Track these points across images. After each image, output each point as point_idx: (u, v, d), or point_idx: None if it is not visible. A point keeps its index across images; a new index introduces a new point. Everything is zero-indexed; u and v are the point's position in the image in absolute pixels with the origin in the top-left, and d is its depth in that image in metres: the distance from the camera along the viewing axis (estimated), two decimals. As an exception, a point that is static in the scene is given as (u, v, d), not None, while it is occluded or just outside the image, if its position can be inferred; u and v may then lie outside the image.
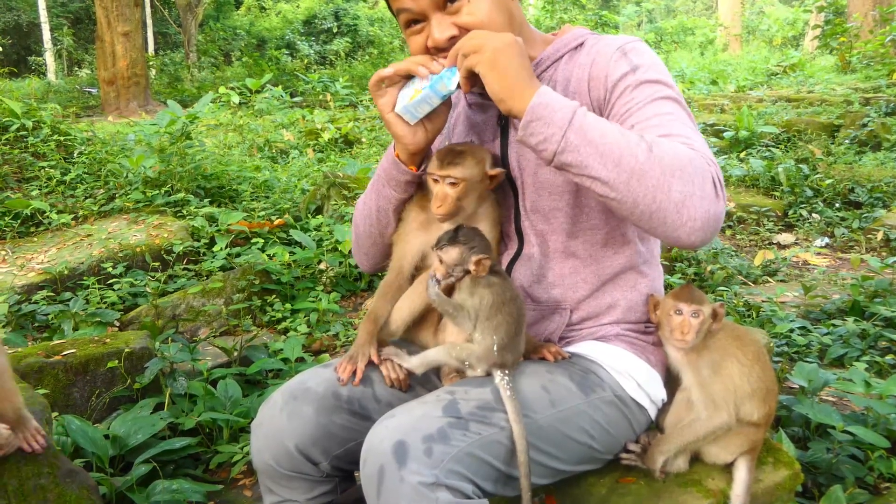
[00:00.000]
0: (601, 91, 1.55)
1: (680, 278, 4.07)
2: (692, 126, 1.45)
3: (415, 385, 1.70)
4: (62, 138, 6.29)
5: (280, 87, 11.98)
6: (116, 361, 2.73)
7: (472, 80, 1.43)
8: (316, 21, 27.13)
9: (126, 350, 2.77)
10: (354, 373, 1.66)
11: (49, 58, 23.50)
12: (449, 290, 1.59)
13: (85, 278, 4.05)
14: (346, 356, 1.68)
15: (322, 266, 4.28)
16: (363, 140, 8.98)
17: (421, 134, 1.59)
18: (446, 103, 1.58)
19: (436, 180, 1.58)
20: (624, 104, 1.49)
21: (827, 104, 9.80)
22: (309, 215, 5.13)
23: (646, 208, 1.30)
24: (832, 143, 7.82)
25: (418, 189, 1.72)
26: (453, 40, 1.52)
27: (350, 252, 4.27)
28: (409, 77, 1.56)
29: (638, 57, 1.54)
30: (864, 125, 8.19)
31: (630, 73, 1.51)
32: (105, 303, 3.83)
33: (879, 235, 5.14)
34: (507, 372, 1.48)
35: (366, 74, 16.94)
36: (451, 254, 1.52)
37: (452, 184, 1.56)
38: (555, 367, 1.61)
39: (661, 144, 1.32)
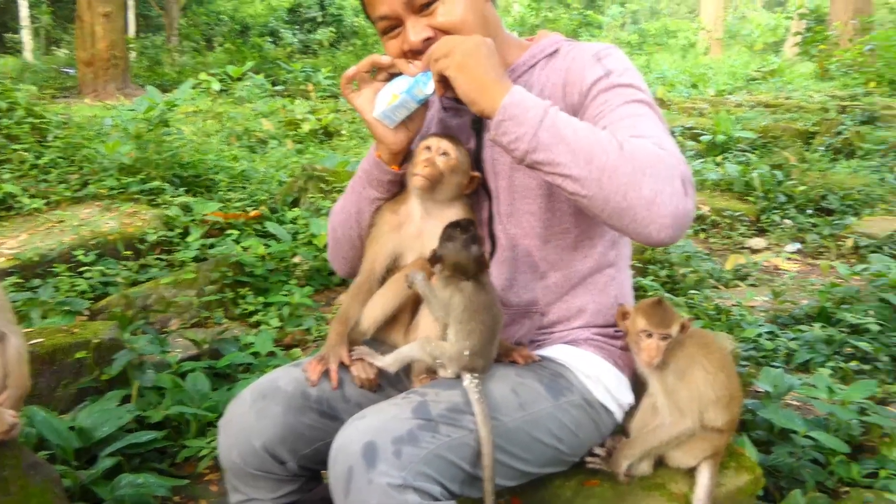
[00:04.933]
0: (576, 96, 1.57)
1: (652, 280, 4.10)
2: (663, 128, 1.47)
3: (385, 386, 1.70)
4: (37, 121, 6.18)
5: (262, 74, 11.89)
6: (84, 352, 2.69)
7: (445, 84, 1.44)
8: (301, 9, 26.88)
9: (94, 341, 2.74)
10: (327, 374, 1.66)
11: (26, 36, 23.10)
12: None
13: (55, 265, 3.98)
14: (317, 356, 1.68)
15: (296, 259, 4.26)
16: (343, 132, 8.93)
17: (402, 134, 1.62)
18: (424, 104, 1.59)
19: (428, 147, 1.61)
20: (597, 106, 1.51)
21: (804, 111, 9.91)
22: (285, 207, 5.10)
23: (616, 205, 1.31)
24: (807, 150, 7.91)
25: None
26: (428, 42, 1.54)
27: (325, 246, 4.25)
28: (375, 71, 1.59)
29: (612, 62, 1.57)
30: (839, 133, 8.29)
31: (604, 78, 1.54)
32: (75, 291, 3.78)
33: (849, 242, 5.22)
34: (476, 375, 1.49)
35: (349, 65, 16.72)
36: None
37: (444, 154, 1.60)
38: (525, 371, 1.62)
39: (631, 143, 1.34)
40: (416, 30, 1.56)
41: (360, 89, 1.62)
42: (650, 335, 1.60)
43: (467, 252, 1.49)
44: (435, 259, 1.50)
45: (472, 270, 1.51)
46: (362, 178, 1.73)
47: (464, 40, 1.42)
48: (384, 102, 1.56)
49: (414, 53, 1.58)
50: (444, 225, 1.51)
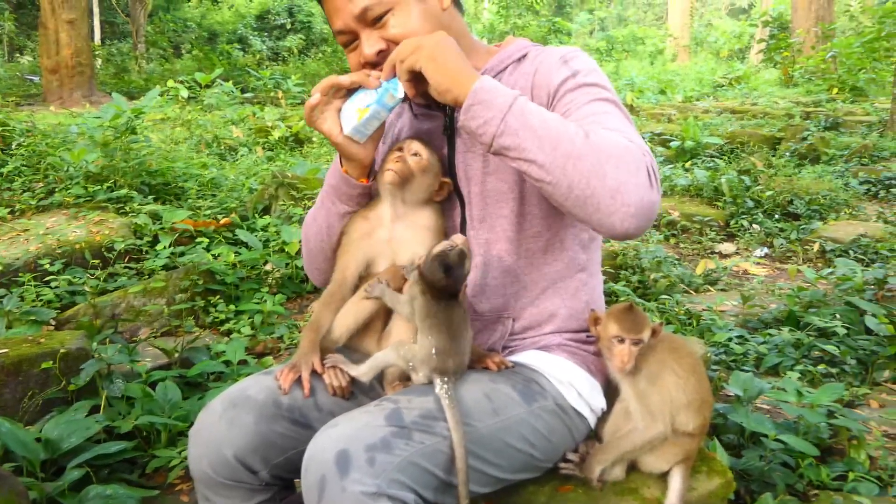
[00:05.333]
0: (544, 98, 1.60)
1: (624, 285, 4.13)
2: (629, 123, 1.49)
3: (357, 393, 1.69)
4: (0, 128, 6.08)
5: (230, 82, 11.82)
6: (51, 362, 2.64)
7: (416, 83, 1.47)
8: (269, 16, 26.83)
9: (61, 350, 2.69)
10: (299, 382, 1.64)
11: (-12, 43, 22.74)
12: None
13: (20, 275, 3.92)
14: (289, 364, 1.66)
15: (268, 267, 4.23)
16: (314, 139, 8.90)
17: (370, 145, 1.65)
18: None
19: (399, 150, 1.64)
20: (564, 105, 1.54)
21: (769, 117, 10.09)
22: (256, 215, 5.06)
23: (580, 193, 1.32)
24: (773, 156, 8.04)
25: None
26: (382, 54, 1.58)
27: (297, 253, 4.23)
28: (336, 92, 1.59)
29: (578, 63, 1.61)
30: (804, 139, 8.45)
31: (570, 78, 1.57)
32: (41, 301, 3.71)
33: (816, 247, 5.31)
34: (446, 379, 1.49)
35: (318, 72, 16.82)
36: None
37: (416, 154, 1.62)
38: (498, 376, 1.62)
39: (598, 133, 1.36)
40: (369, 42, 1.59)
41: (322, 113, 1.61)
42: (622, 341, 1.61)
43: (459, 281, 1.53)
44: (434, 288, 1.51)
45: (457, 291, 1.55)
46: (330, 194, 1.73)
47: (428, 36, 1.46)
48: (353, 119, 1.56)
49: (372, 66, 1.61)
50: (437, 258, 1.50)
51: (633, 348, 1.60)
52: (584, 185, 1.32)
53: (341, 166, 1.68)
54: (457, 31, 1.67)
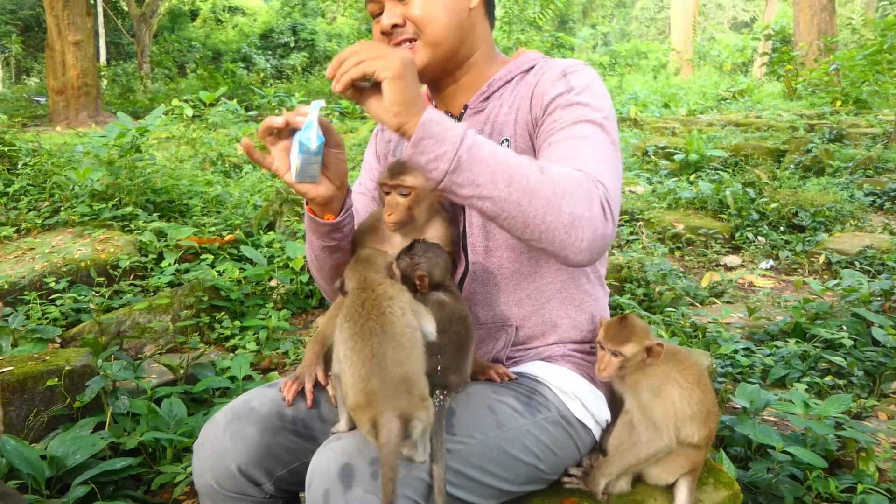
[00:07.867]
0: (538, 110, 1.61)
1: (629, 298, 4.13)
2: (604, 152, 1.48)
3: (361, 406, 1.69)
4: (6, 149, 6.13)
5: (235, 100, 11.87)
6: (56, 379, 2.65)
7: (358, 92, 1.35)
8: (273, 35, 27.06)
9: (67, 368, 2.70)
10: (302, 393, 1.64)
11: (-4, 65, 22.95)
12: None
13: (26, 293, 3.93)
14: (293, 376, 1.67)
15: (273, 283, 4.24)
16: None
17: (324, 186, 1.54)
18: (342, 147, 1.53)
19: (387, 192, 1.59)
20: (550, 122, 1.55)
21: (773, 129, 10.10)
22: (261, 231, 5.08)
23: (536, 228, 1.32)
24: (778, 168, 8.05)
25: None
26: (395, 28, 1.62)
27: (301, 268, 4.25)
28: (279, 131, 1.48)
29: (576, 79, 1.60)
30: (809, 151, 8.45)
31: (564, 94, 1.57)
32: (46, 318, 3.72)
33: (821, 259, 5.29)
34: (446, 393, 1.49)
35: (322, 90, 16.91)
36: (401, 266, 1.52)
37: (403, 194, 1.58)
38: (500, 388, 1.61)
39: (551, 167, 1.35)
40: (390, 14, 1.63)
41: (270, 153, 1.52)
42: (602, 347, 1.62)
43: (440, 261, 1.53)
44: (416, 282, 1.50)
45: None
46: (307, 227, 1.68)
47: (398, 51, 1.33)
48: (294, 161, 1.46)
49: (387, 37, 1.65)
50: (402, 252, 1.53)
51: (612, 358, 1.60)
52: (540, 221, 1.31)
53: (307, 203, 1.61)
54: (479, 35, 1.71)
